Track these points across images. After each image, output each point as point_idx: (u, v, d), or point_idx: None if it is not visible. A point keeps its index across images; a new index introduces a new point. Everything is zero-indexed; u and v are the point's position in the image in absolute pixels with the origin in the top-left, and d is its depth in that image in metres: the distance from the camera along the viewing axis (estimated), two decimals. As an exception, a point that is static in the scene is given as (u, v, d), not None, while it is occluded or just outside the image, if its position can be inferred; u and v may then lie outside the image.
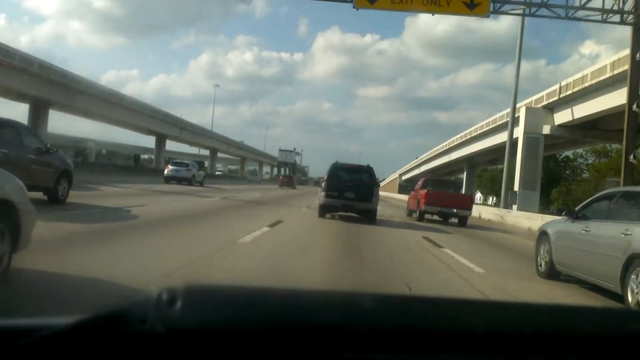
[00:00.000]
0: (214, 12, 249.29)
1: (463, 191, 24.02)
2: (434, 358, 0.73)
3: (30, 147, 9.11)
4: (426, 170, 62.49)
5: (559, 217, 8.21)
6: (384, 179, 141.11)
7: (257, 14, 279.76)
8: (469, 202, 17.11)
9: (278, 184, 51.89)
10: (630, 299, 5.11)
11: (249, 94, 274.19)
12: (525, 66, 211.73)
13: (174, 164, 29.91)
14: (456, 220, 16.90)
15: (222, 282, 0.68)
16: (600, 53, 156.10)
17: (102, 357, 0.65)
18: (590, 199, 7.05)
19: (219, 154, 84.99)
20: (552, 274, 6.92)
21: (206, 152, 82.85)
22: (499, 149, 34.00)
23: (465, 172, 55.74)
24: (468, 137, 44.08)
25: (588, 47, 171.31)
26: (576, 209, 7.04)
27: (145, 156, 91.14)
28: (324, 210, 13.27)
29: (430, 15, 18.44)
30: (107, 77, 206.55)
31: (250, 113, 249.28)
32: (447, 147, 52.55)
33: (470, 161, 51.27)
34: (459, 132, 48.59)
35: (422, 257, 8.27)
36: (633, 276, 5.12)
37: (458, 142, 48.11)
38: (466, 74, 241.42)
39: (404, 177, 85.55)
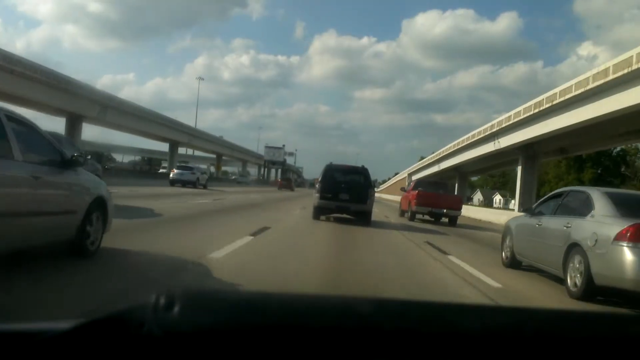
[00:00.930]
0: (210, 15, 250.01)
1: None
2: None
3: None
4: (448, 168, 51.51)
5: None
6: (388, 179, 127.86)
7: (254, 17, 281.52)
8: (458, 203, 17.97)
9: (277, 187, 53.20)
10: (569, 281, 5.95)
11: (245, 97, 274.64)
12: (522, 68, 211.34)
13: (179, 167, 31.20)
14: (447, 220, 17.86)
15: (220, 287, 0.55)
16: (598, 54, 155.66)
17: None
18: (544, 197, 7.90)
19: (196, 153, 78.90)
20: (514, 263, 7.78)
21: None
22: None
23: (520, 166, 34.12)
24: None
25: (586, 49, 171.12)
26: (533, 206, 7.89)
27: (136, 158, 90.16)
28: (319, 212, 13.18)
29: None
30: (103, 81, 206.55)
31: (247, 116, 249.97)
32: (474, 140, 39.15)
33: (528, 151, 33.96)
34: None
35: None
36: (571, 264, 5.97)
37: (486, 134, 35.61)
38: (463, 76, 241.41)
39: (415, 177, 67.17)
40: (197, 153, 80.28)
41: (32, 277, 3.80)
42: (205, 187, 29.90)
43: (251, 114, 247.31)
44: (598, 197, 6.21)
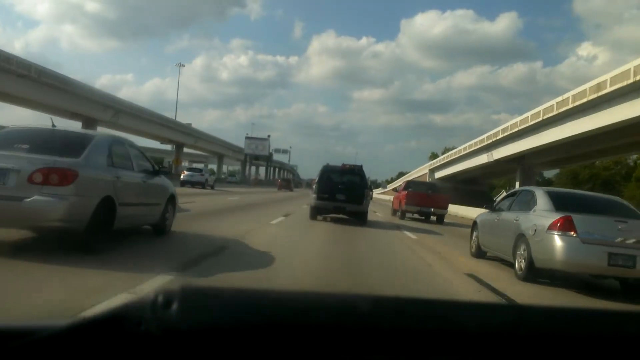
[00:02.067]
0: (208, 15, 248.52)
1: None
2: None
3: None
4: (506, 158, 36.07)
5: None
6: (391, 179, 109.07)
7: (252, 17, 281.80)
8: (445, 202, 19.25)
9: (277, 187, 54.50)
10: (516, 265, 7.05)
11: (244, 98, 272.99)
12: (521, 68, 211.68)
13: (189, 169, 33.80)
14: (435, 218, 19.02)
15: (218, 284, 0.67)
16: (597, 54, 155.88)
17: (98, 358, 0.66)
18: (503, 195, 9.01)
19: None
20: (480, 253, 8.88)
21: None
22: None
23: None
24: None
25: (585, 49, 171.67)
26: (494, 204, 9.02)
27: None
28: (316, 212, 13.48)
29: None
30: (102, 82, 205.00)
31: (246, 116, 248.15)
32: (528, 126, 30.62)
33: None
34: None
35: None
36: (518, 251, 7.08)
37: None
38: (462, 76, 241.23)
39: (438, 174, 55.71)
40: (152, 143, 64.07)
41: (144, 241, 6.59)
42: (212, 187, 31.84)
43: (249, 115, 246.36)
44: (540, 195, 7.32)
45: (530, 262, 6.65)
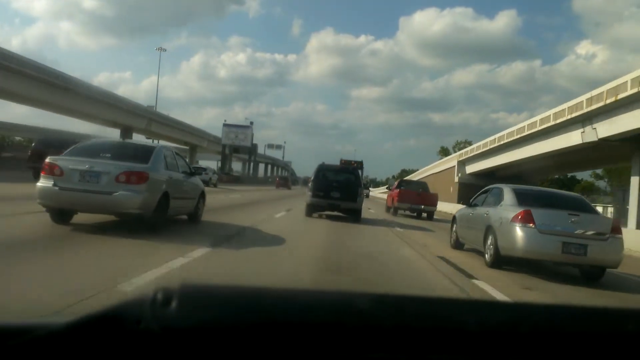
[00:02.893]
0: (206, 13, 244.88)
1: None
2: (429, 358, 0.73)
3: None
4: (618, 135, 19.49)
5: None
6: (390, 178, 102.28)
7: (250, 15, 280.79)
8: (434, 199, 20.26)
9: (275, 185, 55.09)
10: (486, 255, 7.85)
11: (242, 96, 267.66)
12: (520, 66, 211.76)
13: (194, 169, 35.63)
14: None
15: (218, 282, 0.66)
16: (596, 53, 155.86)
17: (98, 358, 0.66)
18: (479, 192, 9.84)
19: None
20: (458, 245, 9.72)
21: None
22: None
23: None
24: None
25: (584, 47, 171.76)
26: (471, 200, 9.85)
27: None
28: (311, 210, 13.97)
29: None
30: (100, 79, 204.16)
31: (244, 115, 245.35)
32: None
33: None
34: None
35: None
36: (487, 241, 7.90)
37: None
38: (460, 74, 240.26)
39: (472, 168, 40.35)
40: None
41: (183, 226, 8.33)
42: (215, 185, 33.08)
43: (248, 113, 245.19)
44: (507, 191, 8.14)
45: (496, 251, 7.47)
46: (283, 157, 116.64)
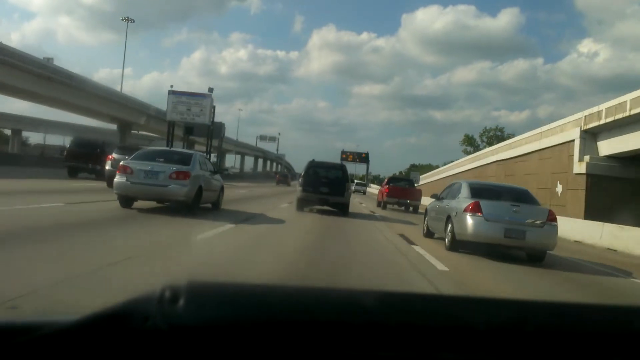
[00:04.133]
0: (206, 8, 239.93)
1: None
2: (435, 356, 0.73)
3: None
4: None
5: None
6: (413, 169, 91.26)
7: (252, 11, 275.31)
8: (418, 194, 21.85)
9: (275, 182, 56.00)
10: (446, 240, 9.16)
11: (244, 92, 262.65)
12: (522, 64, 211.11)
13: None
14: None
15: (224, 279, 0.74)
16: (598, 51, 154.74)
17: (105, 355, 0.66)
18: (446, 187, 11.20)
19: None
20: (429, 234, 10.97)
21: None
22: None
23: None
24: None
25: (586, 46, 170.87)
26: (439, 194, 11.21)
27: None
28: (302, 204, 14.64)
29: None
30: (100, 75, 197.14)
31: (245, 111, 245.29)
32: None
33: None
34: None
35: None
36: (447, 229, 9.23)
37: None
38: (462, 71, 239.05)
39: (615, 144, 18.96)
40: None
41: (210, 212, 10.94)
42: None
43: (249, 109, 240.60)
44: (464, 186, 9.45)
45: (453, 236, 8.80)
46: (277, 150, 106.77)
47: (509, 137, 54.25)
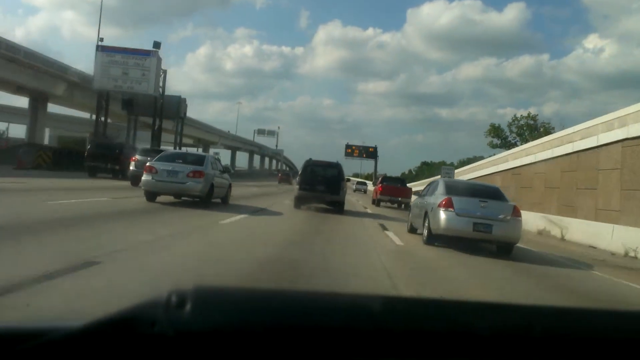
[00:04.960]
0: (211, 3, 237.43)
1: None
2: None
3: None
4: None
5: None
6: (425, 166, 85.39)
7: (257, 6, 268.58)
8: (409, 193, 22.99)
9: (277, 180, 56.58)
10: (423, 234, 9.92)
11: (248, 89, 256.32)
12: (528, 60, 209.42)
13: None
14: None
15: (231, 285, 0.70)
16: (604, 47, 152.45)
17: None
18: (426, 185, 12.06)
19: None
20: (412, 229, 11.55)
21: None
22: None
23: None
24: None
25: (592, 41, 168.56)
26: (421, 191, 12.07)
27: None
28: (299, 202, 15.27)
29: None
30: None
31: (250, 108, 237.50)
32: None
33: None
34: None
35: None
36: (424, 224, 10.03)
37: None
38: (468, 68, 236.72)
39: None
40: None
41: (220, 205, 13.00)
42: None
43: (254, 107, 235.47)
44: (441, 184, 10.23)
45: (429, 230, 9.62)
46: (277, 145, 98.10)
47: (543, 128, 49.14)
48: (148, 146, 25.28)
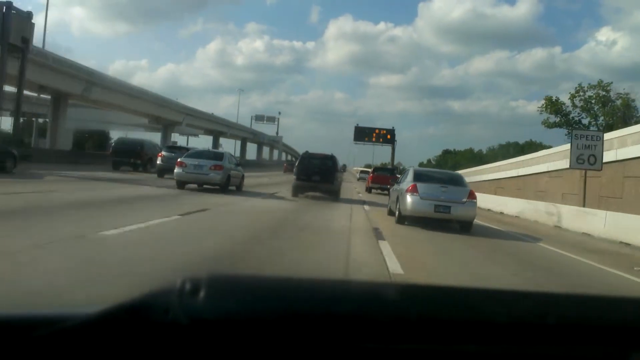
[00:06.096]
0: None
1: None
2: (455, 348, 0.73)
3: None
4: None
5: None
6: (447, 154, 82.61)
7: (268, 1, 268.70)
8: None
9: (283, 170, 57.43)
10: (395, 215, 11.74)
11: (260, 84, 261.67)
12: (540, 53, 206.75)
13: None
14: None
15: (244, 272, 0.78)
16: (617, 40, 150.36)
17: (125, 348, 0.67)
18: (405, 172, 13.77)
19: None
20: (391, 213, 13.22)
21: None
22: None
23: None
24: None
25: (604, 34, 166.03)
26: (398, 180, 13.79)
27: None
28: (296, 191, 16.64)
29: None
30: (115, 67, 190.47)
31: (262, 103, 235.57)
32: None
33: None
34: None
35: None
36: (397, 207, 11.68)
37: None
38: (480, 61, 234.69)
39: None
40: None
41: (235, 192, 16.57)
42: None
43: (265, 101, 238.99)
44: (410, 171, 11.90)
45: (399, 212, 11.39)
46: (277, 133, 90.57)
47: (622, 100, 36.60)
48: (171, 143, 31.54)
